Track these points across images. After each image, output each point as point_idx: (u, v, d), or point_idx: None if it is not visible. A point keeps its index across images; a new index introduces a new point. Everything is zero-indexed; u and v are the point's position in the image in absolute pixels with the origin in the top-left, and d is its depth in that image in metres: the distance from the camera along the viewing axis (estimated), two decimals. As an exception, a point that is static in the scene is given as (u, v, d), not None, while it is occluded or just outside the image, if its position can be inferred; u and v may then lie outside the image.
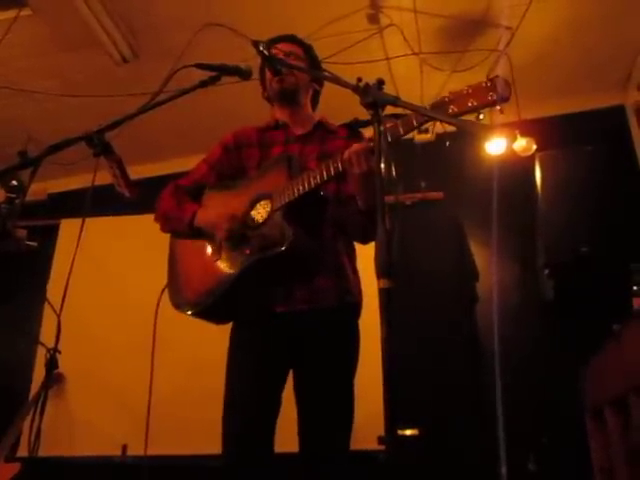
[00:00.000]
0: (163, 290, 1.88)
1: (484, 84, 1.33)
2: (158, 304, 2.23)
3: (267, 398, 1.72)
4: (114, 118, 1.48)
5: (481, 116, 1.26)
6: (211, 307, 1.73)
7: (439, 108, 1.37)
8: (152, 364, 2.52)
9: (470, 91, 1.34)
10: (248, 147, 1.91)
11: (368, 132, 1.88)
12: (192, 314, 1.77)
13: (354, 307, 1.82)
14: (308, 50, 2.01)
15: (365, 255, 1.91)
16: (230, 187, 1.85)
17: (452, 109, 1.35)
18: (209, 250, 1.78)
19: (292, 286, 1.74)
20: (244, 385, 1.73)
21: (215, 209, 1.78)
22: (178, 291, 1.84)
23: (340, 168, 1.54)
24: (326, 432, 1.69)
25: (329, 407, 1.70)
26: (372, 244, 1.30)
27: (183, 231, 1.82)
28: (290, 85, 1.89)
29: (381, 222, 1.07)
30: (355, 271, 1.87)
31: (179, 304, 1.81)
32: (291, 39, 1.98)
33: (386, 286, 1.01)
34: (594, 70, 3.89)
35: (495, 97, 1.31)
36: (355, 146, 1.51)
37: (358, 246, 1.91)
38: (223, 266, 1.72)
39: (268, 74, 1.91)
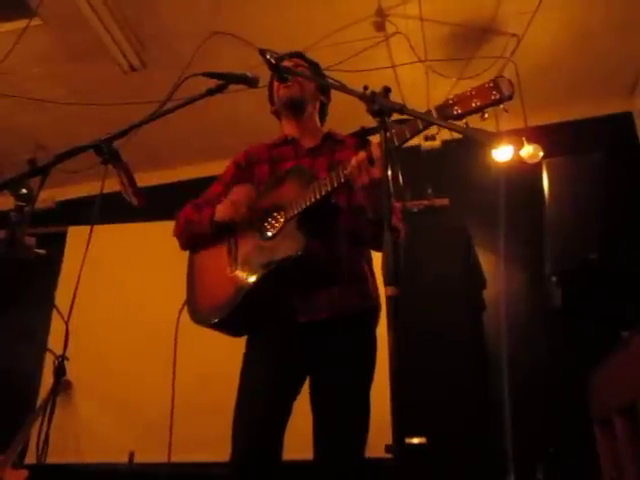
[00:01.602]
0: (183, 306, 1.89)
1: (487, 84, 1.35)
2: (179, 318, 2.24)
3: (279, 401, 1.72)
4: (122, 126, 1.49)
5: (485, 115, 1.28)
6: (228, 319, 1.74)
7: (444, 110, 1.39)
8: (174, 372, 2.53)
9: (474, 92, 1.36)
10: (259, 164, 1.95)
11: (376, 139, 1.90)
12: (210, 326, 1.78)
13: (375, 311, 1.82)
14: (315, 67, 2.04)
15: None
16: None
17: (456, 110, 1.37)
18: (225, 263, 1.80)
19: (312, 295, 1.74)
20: (257, 386, 1.73)
21: (232, 195, 1.82)
22: (195, 305, 1.85)
23: (345, 177, 1.56)
24: (343, 439, 1.68)
25: (347, 413, 1.69)
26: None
27: (205, 231, 1.84)
28: (297, 93, 1.91)
29: (387, 230, 1.07)
30: (373, 275, 1.88)
31: (197, 318, 1.81)
32: (298, 56, 2.01)
33: (393, 294, 1.01)
34: (601, 77, 3.88)
35: (498, 96, 1.33)
36: (353, 159, 1.52)
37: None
38: (239, 277, 1.73)
39: (275, 86, 1.93)
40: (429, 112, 1.41)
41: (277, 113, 2.05)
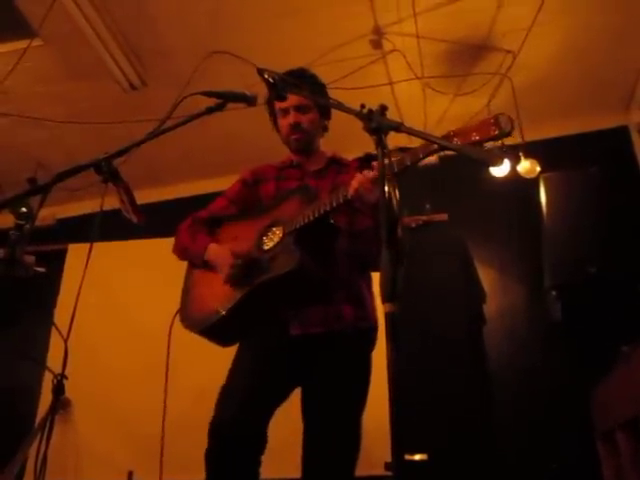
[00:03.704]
0: (175, 315, 1.93)
1: (488, 120, 1.39)
2: (170, 329, 2.25)
3: (255, 418, 1.71)
4: (122, 144, 1.50)
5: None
6: (217, 327, 1.76)
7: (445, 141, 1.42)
8: (166, 389, 2.51)
9: (474, 126, 1.41)
10: (265, 182, 2.00)
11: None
12: (199, 333, 1.81)
13: (369, 332, 1.84)
14: (319, 87, 2.05)
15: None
16: (245, 218, 1.93)
17: (456, 141, 1.41)
18: (220, 276, 1.82)
19: (307, 310, 1.77)
20: (242, 375, 1.76)
21: (225, 244, 1.84)
22: (187, 312, 1.89)
23: (348, 197, 1.59)
24: (331, 458, 1.68)
25: (334, 433, 1.70)
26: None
27: (196, 263, 1.91)
28: (305, 140, 1.96)
29: (385, 247, 1.07)
30: (373, 297, 1.90)
31: (187, 324, 1.86)
32: (300, 75, 2.02)
33: (391, 310, 1.02)
34: (597, 91, 3.92)
35: (497, 131, 1.36)
36: (358, 177, 1.56)
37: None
38: (232, 289, 1.75)
39: (282, 124, 1.98)
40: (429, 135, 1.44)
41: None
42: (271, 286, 1.68)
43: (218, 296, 1.78)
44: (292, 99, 1.92)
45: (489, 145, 1.42)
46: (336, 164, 2.00)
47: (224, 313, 1.72)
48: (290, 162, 2.03)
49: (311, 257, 1.64)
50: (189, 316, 1.87)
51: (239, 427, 1.66)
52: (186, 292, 1.95)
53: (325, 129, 2.08)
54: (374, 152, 1.24)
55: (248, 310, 1.74)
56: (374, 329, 1.84)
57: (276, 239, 1.74)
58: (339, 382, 1.74)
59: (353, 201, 1.59)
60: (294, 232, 1.68)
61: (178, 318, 1.93)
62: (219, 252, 1.82)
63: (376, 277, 1.53)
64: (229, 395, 1.74)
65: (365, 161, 1.94)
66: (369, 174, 1.55)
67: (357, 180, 1.56)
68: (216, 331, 1.80)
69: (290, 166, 2.02)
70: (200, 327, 1.80)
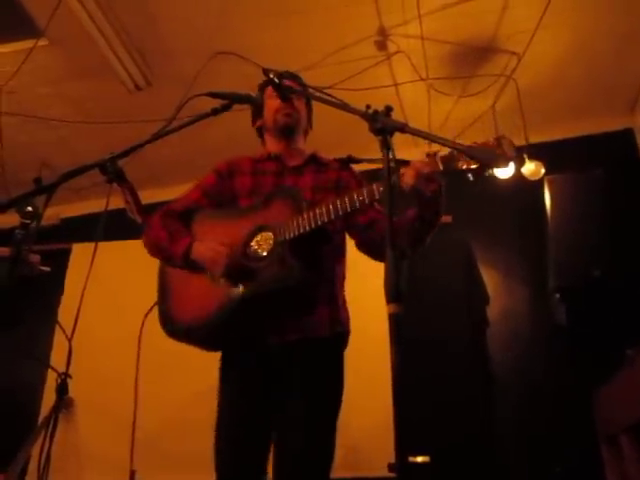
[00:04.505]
0: (147, 313, 1.85)
1: (490, 142, 1.38)
2: (142, 325, 2.19)
3: (259, 435, 1.70)
4: (127, 144, 1.51)
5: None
6: (206, 336, 1.73)
7: (449, 162, 1.43)
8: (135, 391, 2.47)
9: (477, 149, 1.39)
10: (240, 175, 1.92)
11: (360, 167, 1.92)
12: (181, 340, 1.78)
13: (343, 337, 1.82)
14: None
15: (373, 279, 1.92)
16: (225, 216, 1.84)
17: (460, 165, 1.42)
18: (205, 278, 1.74)
19: (285, 317, 1.71)
20: (234, 424, 1.72)
21: (211, 242, 1.74)
22: (171, 316, 1.81)
23: (349, 209, 1.55)
24: (304, 463, 1.64)
25: (307, 438, 1.65)
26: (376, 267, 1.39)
27: (176, 263, 1.78)
28: (294, 121, 1.91)
29: (390, 247, 1.07)
30: (344, 301, 1.86)
31: (172, 330, 1.79)
32: (294, 77, 2.00)
33: (396, 311, 1.01)
34: (602, 94, 3.91)
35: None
36: (412, 171, 1.47)
37: (363, 272, 1.94)
38: (221, 296, 1.69)
39: (274, 108, 1.91)
40: (434, 155, 1.46)
41: (261, 129, 2.02)
42: (263, 297, 1.63)
43: (205, 301, 1.71)
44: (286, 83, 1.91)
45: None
46: (315, 163, 1.94)
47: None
48: (268, 155, 1.94)
49: (303, 267, 1.60)
50: (175, 321, 1.79)
51: (243, 448, 1.67)
52: (164, 290, 1.86)
53: (307, 130, 2.04)
54: (354, 156, 1.24)
55: (236, 319, 1.69)
56: (347, 334, 1.82)
57: (266, 246, 1.67)
58: (319, 387, 1.71)
59: (354, 211, 1.57)
60: (288, 242, 1.62)
61: (159, 319, 1.82)
62: (207, 250, 1.71)
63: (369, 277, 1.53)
64: (225, 448, 1.70)
65: (346, 162, 1.93)
66: (423, 168, 1.46)
67: (411, 176, 1.47)
68: (204, 339, 1.76)
69: (268, 159, 1.94)
70: (186, 337, 1.75)
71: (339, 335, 1.79)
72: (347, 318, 1.84)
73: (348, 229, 1.85)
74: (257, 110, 2.01)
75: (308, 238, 1.61)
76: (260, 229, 1.71)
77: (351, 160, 1.86)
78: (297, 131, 1.96)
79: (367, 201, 1.53)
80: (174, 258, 1.77)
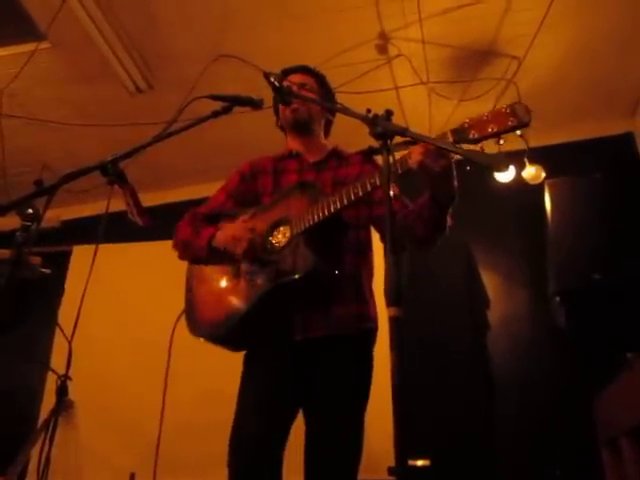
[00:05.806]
0: (178, 319, 1.89)
1: (504, 110, 1.33)
2: (173, 331, 2.23)
3: (275, 421, 1.70)
4: (128, 147, 1.51)
5: (501, 141, 1.26)
6: (227, 335, 1.74)
7: (460, 134, 1.36)
8: (164, 392, 2.50)
9: (490, 117, 1.34)
10: (263, 175, 1.95)
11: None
12: (208, 341, 1.78)
13: (371, 333, 1.81)
14: (321, 80, 2.05)
15: (374, 279, 1.92)
16: (246, 214, 1.86)
17: (473, 134, 1.35)
18: (227, 277, 1.78)
19: (310, 313, 1.72)
20: (253, 405, 1.71)
21: (233, 227, 1.77)
22: (194, 318, 1.84)
23: (360, 194, 1.54)
24: (335, 462, 1.65)
25: (340, 437, 1.67)
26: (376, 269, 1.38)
27: (202, 255, 1.81)
28: (303, 115, 1.92)
29: (389, 250, 1.07)
30: (372, 295, 1.86)
31: (195, 331, 1.81)
32: (304, 70, 2.02)
33: (395, 314, 1.01)
34: (602, 98, 3.91)
35: (515, 122, 1.31)
36: (418, 149, 1.42)
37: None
38: (241, 292, 1.72)
39: (281, 107, 1.95)
40: (445, 135, 1.38)
41: (283, 128, 2.06)
42: (283, 290, 1.64)
43: (224, 302, 1.73)
44: (296, 77, 1.92)
45: (494, 150, 1.39)
46: (336, 157, 1.95)
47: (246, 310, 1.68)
48: (289, 152, 1.97)
49: (322, 258, 1.60)
50: (199, 323, 1.82)
51: (261, 442, 1.64)
52: (190, 293, 1.89)
53: (328, 123, 2.05)
54: (376, 147, 1.22)
55: (259, 315, 1.70)
56: (376, 329, 1.81)
57: (283, 239, 1.69)
58: (346, 386, 1.71)
59: (366, 197, 1.53)
60: (304, 232, 1.63)
61: (186, 324, 1.86)
62: (227, 231, 1.74)
63: (378, 277, 1.53)
64: (246, 418, 1.69)
65: (368, 154, 1.93)
66: (427, 146, 1.41)
67: (419, 152, 1.42)
68: (229, 339, 1.77)
69: (289, 157, 1.96)
70: (209, 336, 1.76)
71: (366, 332, 1.78)
72: (376, 314, 1.82)
73: (372, 223, 1.85)
74: (277, 111, 2.04)
75: (323, 228, 1.61)
76: (278, 223, 1.73)
77: (372, 151, 1.84)
78: (311, 125, 1.96)
79: (379, 183, 1.50)
80: (199, 250, 1.80)
